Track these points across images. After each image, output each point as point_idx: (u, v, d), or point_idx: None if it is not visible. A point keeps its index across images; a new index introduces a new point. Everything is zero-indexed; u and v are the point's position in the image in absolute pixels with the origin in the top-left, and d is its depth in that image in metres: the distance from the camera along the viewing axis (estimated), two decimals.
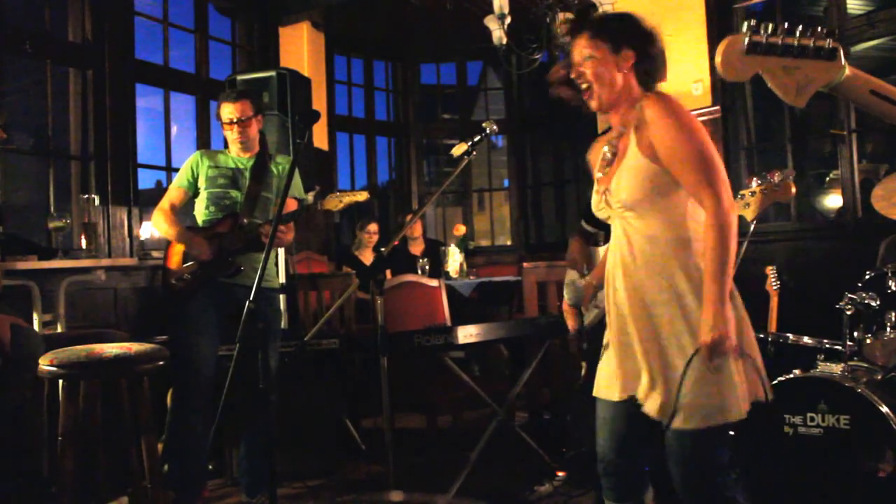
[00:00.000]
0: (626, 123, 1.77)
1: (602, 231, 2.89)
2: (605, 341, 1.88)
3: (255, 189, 3.01)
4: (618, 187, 1.74)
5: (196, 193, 3.07)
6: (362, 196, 3.13)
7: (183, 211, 3.10)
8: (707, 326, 1.57)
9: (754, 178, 2.58)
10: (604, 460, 1.86)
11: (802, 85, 1.21)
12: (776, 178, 2.24)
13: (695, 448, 1.68)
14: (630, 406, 1.74)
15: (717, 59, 1.22)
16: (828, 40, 1.19)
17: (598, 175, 1.89)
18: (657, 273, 1.69)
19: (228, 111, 3.02)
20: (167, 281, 3.01)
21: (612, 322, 1.80)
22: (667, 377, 1.66)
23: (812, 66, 1.20)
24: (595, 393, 1.86)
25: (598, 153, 1.92)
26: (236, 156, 3.10)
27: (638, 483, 1.86)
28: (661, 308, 1.68)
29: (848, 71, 1.21)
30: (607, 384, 1.81)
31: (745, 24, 1.20)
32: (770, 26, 1.19)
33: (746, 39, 1.19)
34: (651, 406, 1.68)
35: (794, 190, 2.20)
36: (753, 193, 2.55)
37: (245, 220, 2.92)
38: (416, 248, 5.52)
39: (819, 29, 1.19)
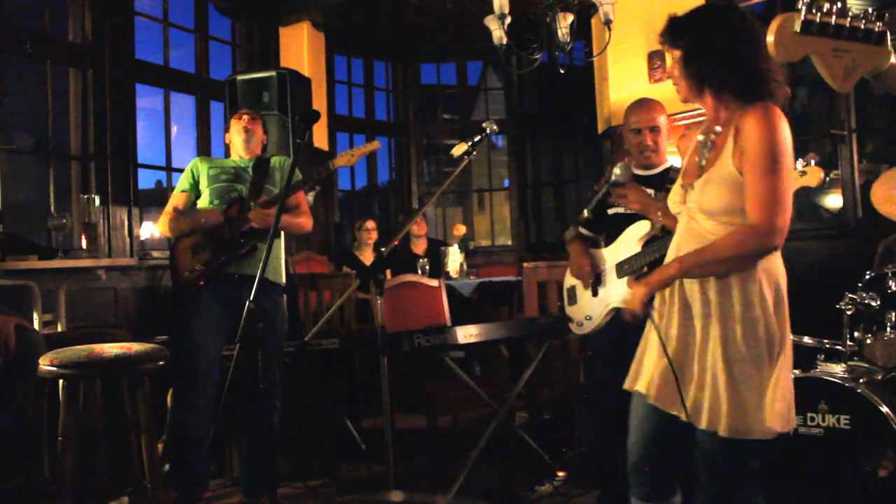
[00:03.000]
0: (725, 123, 1.71)
1: (599, 234, 2.89)
2: (645, 332, 1.87)
3: (259, 181, 3.03)
4: (703, 192, 1.69)
5: (198, 196, 3.08)
6: (375, 145, 3.13)
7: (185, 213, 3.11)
8: (645, 280, 1.73)
9: None
10: (633, 457, 1.85)
11: (850, 69, 1.20)
12: (799, 164, 2.23)
13: (725, 453, 1.65)
14: (667, 413, 1.74)
15: (770, 38, 1.20)
16: (877, 24, 1.18)
17: (685, 165, 1.84)
18: (710, 284, 1.66)
19: (242, 111, 3.23)
20: (178, 277, 2.99)
21: (663, 315, 1.78)
22: (701, 381, 1.65)
23: (860, 51, 1.19)
24: (627, 386, 1.86)
25: (689, 141, 1.85)
26: (237, 157, 3.12)
27: (664, 485, 1.85)
28: (706, 310, 1.67)
29: (894, 58, 1.20)
30: (646, 379, 1.80)
31: (801, 1, 1.17)
32: (824, 6, 1.17)
33: (800, 18, 1.17)
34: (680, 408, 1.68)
35: (822, 175, 2.18)
36: None
37: (252, 204, 2.93)
38: (419, 247, 5.52)
39: (869, 11, 1.18)
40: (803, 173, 2.25)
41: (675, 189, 1.83)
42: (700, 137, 1.79)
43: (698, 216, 1.72)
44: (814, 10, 1.17)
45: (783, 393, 1.63)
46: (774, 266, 1.68)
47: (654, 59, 5.11)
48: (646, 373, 1.81)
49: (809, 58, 1.24)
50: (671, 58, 1.76)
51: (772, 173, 1.57)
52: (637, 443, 1.84)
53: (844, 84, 1.21)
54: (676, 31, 1.73)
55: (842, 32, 1.17)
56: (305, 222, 3.08)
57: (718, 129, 1.73)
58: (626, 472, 1.90)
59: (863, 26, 1.17)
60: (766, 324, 1.62)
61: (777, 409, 1.61)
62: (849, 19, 1.17)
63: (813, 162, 2.24)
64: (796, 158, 2.32)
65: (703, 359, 1.66)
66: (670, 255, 1.79)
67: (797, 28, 1.18)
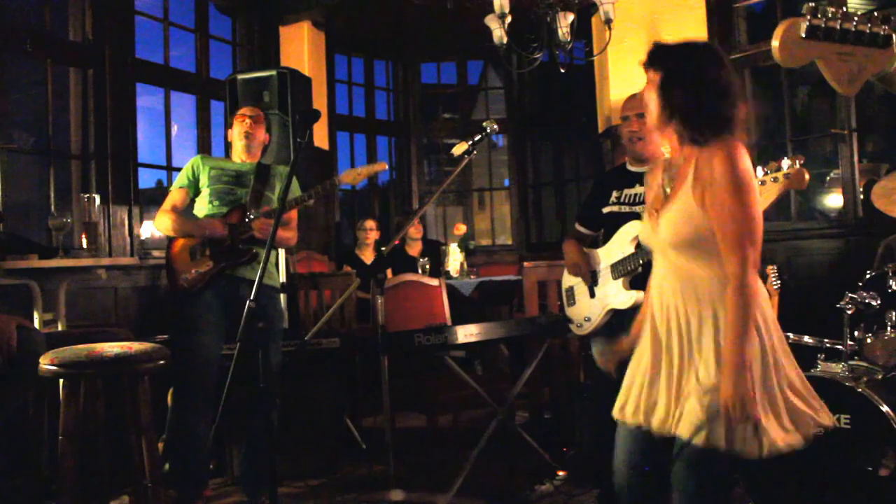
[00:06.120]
0: (686, 157, 1.76)
1: (597, 232, 2.88)
2: (634, 359, 1.88)
3: (259, 187, 3.04)
4: (667, 226, 1.75)
5: (197, 193, 3.09)
6: (381, 166, 3.16)
7: (185, 212, 3.11)
8: (728, 391, 1.58)
9: (759, 168, 2.54)
10: (619, 475, 1.88)
11: (855, 73, 1.19)
12: (785, 165, 2.22)
13: (697, 466, 1.67)
14: (649, 432, 1.76)
15: (775, 43, 1.19)
16: (883, 27, 1.17)
17: (651, 195, 1.89)
18: (695, 307, 1.71)
19: (245, 109, 3.21)
20: (175, 281, 3.00)
21: (647, 349, 1.81)
22: (680, 399, 1.69)
23: (866, 54, 1.18)
24: (617, 414, 1.87)
25: (656, 176, 1.90)
26: (238, 160, 3.13)
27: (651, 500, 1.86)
28: (695, 341, 1.70)
29: None
30: (633, 410, 1.82)
31: (805, 5, 1.17)
32: (829, 10, 1.17)
33: (806, 23, 1.17)
34: (658, 422, 1.72)
35: (807, 177, 2.18)
36: (763, 183, 2.50)
37: (251, 214, 2.94)
38: (415, 249, 5.52)
39: (875, 14, 1.17)
40: (787, 175, 2.24)
41: (646, 221, 1.87)
42: (663, 175, 1.85)
43: (669, 252, 1.77)
44: (819, 15, 1.16)
45: (776, 410, 1.65)
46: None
47: None
48: (633, 402, 1.83)
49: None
50: (649, 82, 1.79)
51: (740, 213, 1.62)
52: (622, 464, 1.87)
53: (850, 88, 1.20)
54: (663, 55, 1.76)
55: (847, 36, 1.16)
56: (292, 237, 3.14)
57: (681, 159, 1.77)
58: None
59: (868, 30, 1.16)
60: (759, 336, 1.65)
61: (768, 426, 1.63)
62: (854, 23, 1.16)
63: (799, 164, 2.24)
64: (787, 155, 2.32)
65: (691, 367, 1.69)
66: (654, 291, 1.83)
67: (803, 33, 1.16)
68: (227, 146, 3.28)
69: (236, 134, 3.13)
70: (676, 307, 1.74)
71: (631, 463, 1.85)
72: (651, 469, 1.83)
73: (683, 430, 1.65)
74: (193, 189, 3.09)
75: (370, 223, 5.47)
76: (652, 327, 1.81)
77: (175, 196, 3.08)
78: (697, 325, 1.70)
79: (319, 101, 5.76)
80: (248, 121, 3.12)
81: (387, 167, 3.10)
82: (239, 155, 3.14)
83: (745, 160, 1.65)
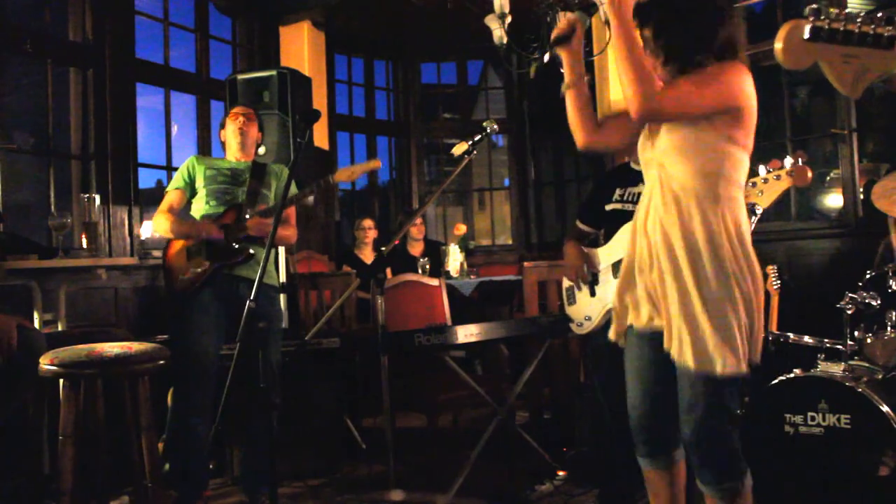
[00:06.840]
0: None
1: (598, 230, 2.89)
2: (621, 271, 1.92)
3: (256, 186, 3.05)
4: (664, 133, 1.78)
5: (193, 194, 3.10)
6: (375, 164, 3.17)
7: (182, 213, 3.12)
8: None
9: (762, 166, 2.54)
10: (635, 412, 1.90)
11: (860, 74, 1.19)
12: (787, 163, 2.23)
13: (703, 392, 1.71)
14: (657, 355, 1.78)
15: (778, 45, 1.19)
16: (887, 28, 1.16)
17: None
18: (680, 224, 1.73)
19: (237, 108, 3.23)
20: (171, 281, 3.00)
21: (643, 259, 1.83)
22: (675, 319, 1.72)
23: (870, 55, 1.17)
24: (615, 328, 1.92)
25: None
26: (233, 160, 3.14)
27: (668, 436, 1.89)
28: (679, 260, 1.73)
29: None
30: (634, 312, 1.86)
31: (808, 8, 1.17)
32: (832, 12, 1.17)
33: (809, 25, 1.16)
34: (666, 343, 1.74)
35: (810, 174, 2.19)
36: (766, 180, 2.51)
37: (248, 214, 2.95)
38: (416, 248, 5.52)
39: (879, 15, 1.16)
40: (791, 173, 2.25)
41: (644, 136, 1.89)
42: None
43: (667, 161, 1.78)
44: (821, 17, 1.15)
45: (747, 334, 1.70)
46: (737, 213, 1.75)
47: None
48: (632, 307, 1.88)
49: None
50: (644, 41, 1.86)
51: (699, 83, 1.68)
52: (636, 395, 1.89)
53: (854, 90, 1.20)
54: (645, 9, 1.85)
55: (851, 38, 1.16)
56: (292, 235, 3.15)
57: None
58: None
59: (872, 31, 1.15)
60: (733, 258, 1.70)
61: (741, 348, 1.68)
62: (857, 25, 1.15)
63: (801, 161, 2.24)
64: (787, 155, 2.33)
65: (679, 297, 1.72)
66: (641, 205, 1.86)
67: (805, 35, 1.16)
68: (221, 146, 3.28)
69: (230, 133, 3.14)
70: (664, 220, 1.75)
71: (645, 394, 1.87)
72: (661, 408, 1.85)
73: (688, 359, 1.68)
74: (189, 190, 3.10)
75: (368, 222, 5.48)
76: (645, 241, 1.83)
77: (171, 198, 3.08)
78: (677, 241, 1.72)
79: (319, 101, 5.76)
80: (241, 118, 3.14)
81: (381, 165, 3.12)
82: (234, 154, 3.15)
83: (740, 72, 1.69)
